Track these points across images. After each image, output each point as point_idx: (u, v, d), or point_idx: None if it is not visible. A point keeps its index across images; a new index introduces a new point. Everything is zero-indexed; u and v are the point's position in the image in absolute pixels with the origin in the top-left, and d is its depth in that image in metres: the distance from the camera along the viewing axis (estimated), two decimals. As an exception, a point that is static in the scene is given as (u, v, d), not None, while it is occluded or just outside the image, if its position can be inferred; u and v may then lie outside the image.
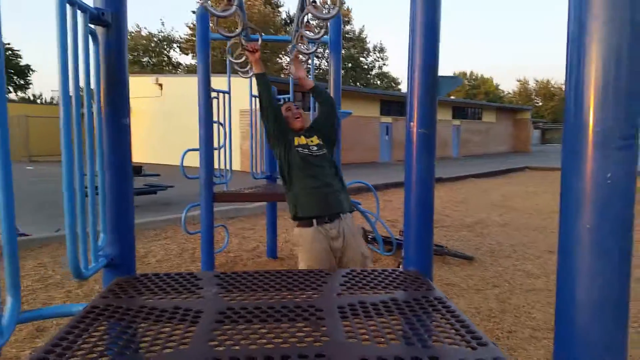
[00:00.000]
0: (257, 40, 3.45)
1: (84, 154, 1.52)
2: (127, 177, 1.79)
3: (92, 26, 1.66)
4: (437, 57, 1.90)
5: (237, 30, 2.86)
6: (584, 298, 0.83)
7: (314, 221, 2.63)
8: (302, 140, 2.83)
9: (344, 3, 39.34)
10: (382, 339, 1.26)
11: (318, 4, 2.29)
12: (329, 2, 2.31)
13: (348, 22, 40.73)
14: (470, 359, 1.11)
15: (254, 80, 5.55)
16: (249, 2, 30.56)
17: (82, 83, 1.56)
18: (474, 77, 60.28)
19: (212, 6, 2.45)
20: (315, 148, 2.82)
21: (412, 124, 1.90)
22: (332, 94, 4.19)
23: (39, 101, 42.37)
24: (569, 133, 0.87)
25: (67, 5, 1.44)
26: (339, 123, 2.97)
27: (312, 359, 1.14)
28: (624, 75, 0.83)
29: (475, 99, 50.58)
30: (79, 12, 1.53)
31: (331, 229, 2.63)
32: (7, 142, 1.14)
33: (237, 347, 1.21)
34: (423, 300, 1.56)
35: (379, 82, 44.35)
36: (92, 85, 1.65)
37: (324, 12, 2.29)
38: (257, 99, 5.73)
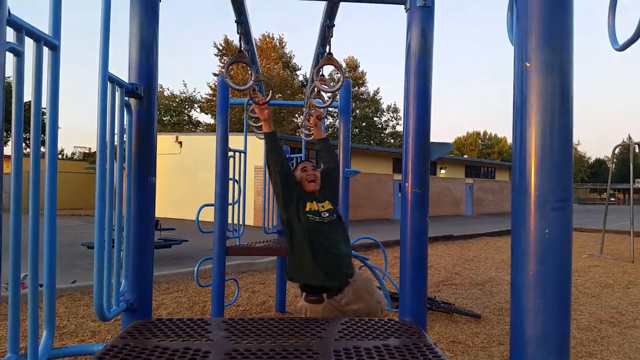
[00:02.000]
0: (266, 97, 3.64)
1: (114, 209, 1.73)
2: (150, 230, 2.00)
3: (127, 98, 1.93)
4: (429, 124, 2.12)
5: (248, 87, 2.94)
6: (531, 332, 0.99)
7: (324, 296, 2.58)
8: (315, 206, 2.71)
9: (359, 67, 40.85)
10: (372, 379, 1.40)
11: (325, 78, 2.57)
12: (336, 77, 2.59)
13: (363, 84, 42.15)
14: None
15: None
16: (268, 66, 32.01)
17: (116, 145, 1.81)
18: (487, 137, 60.96)
19: (230, 76, 2.74)
20: (327, 215, 2.71)
21: (407, 184, 2.10)
22: (341, 155, 4.45)
23: (60, 156, 43.87)
24: (515, 195, 1.06)
25: (108, 82, 1.71)
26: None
27: (306, 393, 1.28)
28: (557, 147, 1.03)
29: (489, 158, 50.95)
30: (117, 87, 1.80)
31: (342, 298, 2.60)
32: (54, 200, 1.36)
33: (240, 382, 1.36)
34: (413, 347, 1.69)
35: (392, 140, 45.15)
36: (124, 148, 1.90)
37: (329, 86, 2.56)
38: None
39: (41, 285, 1.33)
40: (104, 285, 1.69)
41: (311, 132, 5.72)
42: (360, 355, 1.59)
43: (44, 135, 1.40)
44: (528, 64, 1.11)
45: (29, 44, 1.26)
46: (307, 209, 2.69)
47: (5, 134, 1.11)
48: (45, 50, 1.32)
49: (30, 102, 1.30)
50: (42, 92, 1.31)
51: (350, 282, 2.66)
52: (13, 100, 1.21)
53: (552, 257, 0.99)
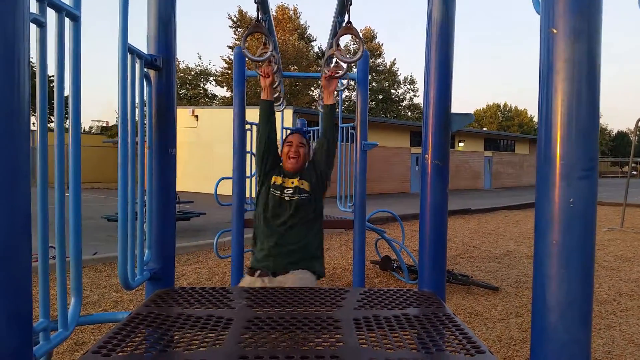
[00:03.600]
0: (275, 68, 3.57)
1: (136, 180, 1.76)
2: (171, 200, 2.03)
3: (146, 70, 1.93)
4: (450, 95, 2.09)
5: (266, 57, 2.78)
6: (553, 301, 0.99)
7: (258, 272, 2.48)
8: (280, 180, 2.52)
9: (376, 37, 40.14)
10: (391, 346, 1.42)
11: (342, 48, 2.53)
12: (351, 48, 2.54)
13: (379, 56, 41.47)
14: (467, 363, 1.26)
15: (285, 112, 5.86)
16: (283, 37, 31.66)
17: (136, 117, 1.82)
18: (507, 109, 59.77)
19: (247, 47, 2.72)
20: (290, 191, 2.48)
21: (426, 155, 2.09)
22: (358, 128, 4.41)
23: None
24: (540, 164, 1.05)
25: (128, 54, 1.71)
26: (332, 163, 2.65)
27: (328, 359, 1.31)
28: (583, 115, 1.01)
29: (509, 130, 50.11)
30: (136, 58, 1.80)
31: (270, 282, 2.43)
32: (79, 171, 1.39)
33: (263, 348, 1.39)
34: (432, 316, 1.70)
35: (409, 113, 44.61)
36: (145, 120, 1.92)
37: (347, 56, 2.52)
38: (285, 130, 6.02)
39: (67, 257, 1.36)
40: (128, 255, 1.73)
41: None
42: (380, 324, 1.61)
43: (66, 109, 1.42)
44: (555, 30, 1.08)
45: (50, 15, 1.26)
46: (272, 182, 2.52)
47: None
48: (66, 21, 1.32)
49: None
50: (65, 65, 1.32)
51: (291, 271, 2.40)
52: (37, 74, 1.22)
53: (577, 226, 0.99)
